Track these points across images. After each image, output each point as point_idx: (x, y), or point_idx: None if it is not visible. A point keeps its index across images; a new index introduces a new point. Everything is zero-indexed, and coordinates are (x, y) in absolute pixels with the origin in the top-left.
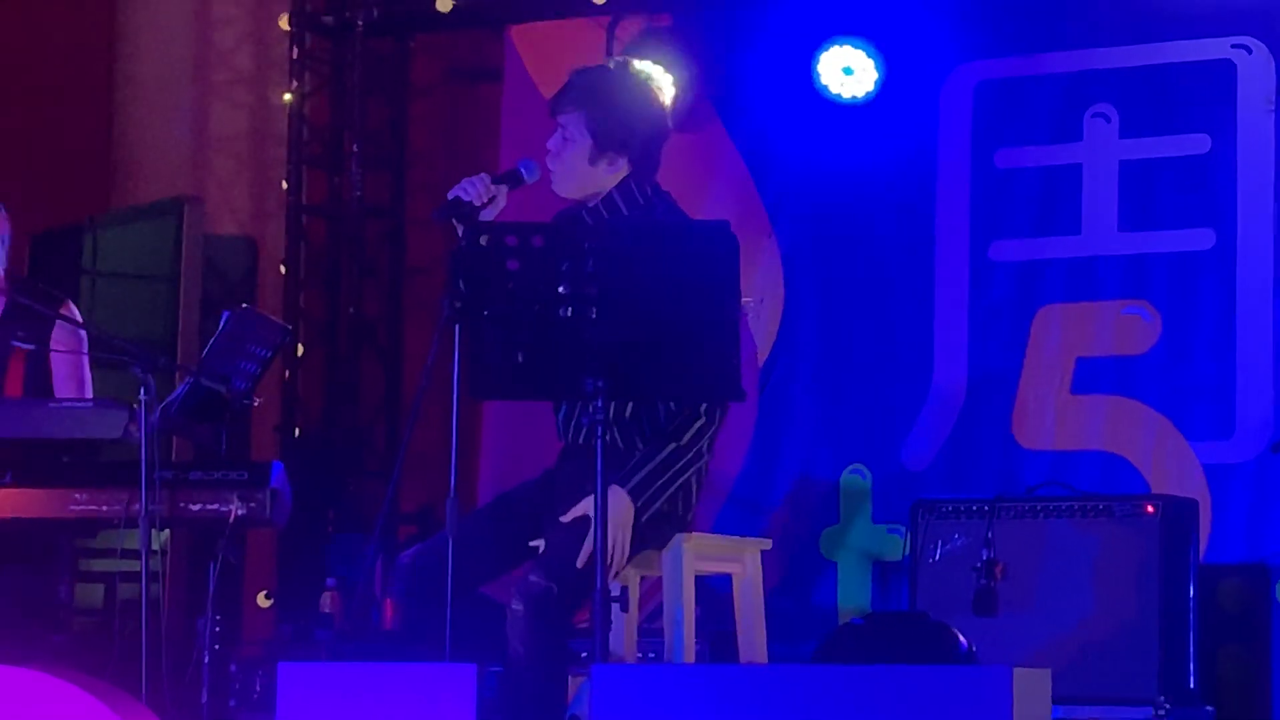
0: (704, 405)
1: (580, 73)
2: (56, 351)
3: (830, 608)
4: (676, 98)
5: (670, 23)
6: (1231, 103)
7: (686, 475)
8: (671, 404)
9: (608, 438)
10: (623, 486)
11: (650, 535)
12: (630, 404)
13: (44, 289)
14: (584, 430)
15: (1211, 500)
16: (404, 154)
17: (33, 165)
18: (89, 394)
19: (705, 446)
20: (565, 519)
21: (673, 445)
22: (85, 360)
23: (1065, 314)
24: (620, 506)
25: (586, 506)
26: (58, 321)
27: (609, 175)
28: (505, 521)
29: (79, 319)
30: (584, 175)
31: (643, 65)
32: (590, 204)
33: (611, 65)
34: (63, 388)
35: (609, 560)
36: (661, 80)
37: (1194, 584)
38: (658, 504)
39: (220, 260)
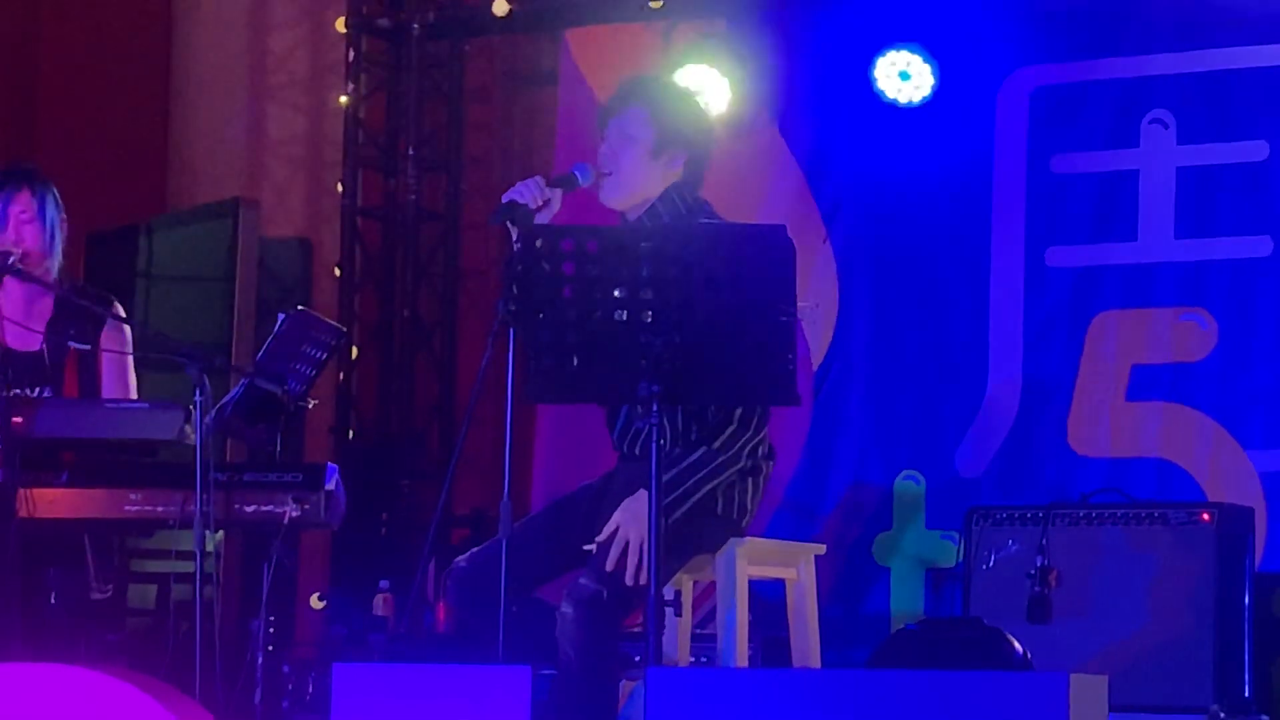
0: (739, 411)
1: (633, 78)
2: (107, 351)
3: (883, 614)
4: (731, 103)
5: (726, 28)
6: None
7: (720, 479)
8: (713, 410)
9: (663, 443)
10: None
11: (704, 540)
12: (683, 412)
13: (94, 291)
14: (640, 440)
15: (1268, 508)
16: (459, 157)
17: (89, 166)
18: (133, 396)
19: (745, 452)
20: (601, 539)
21: (703, 449)
22: (130, 362)
23: (1121, 320)
24: (638, 510)
25: (616, 521)
26: (107, 323)
27: (666, 174)
28: (561, 524)
29: (127, 319)
30: (642, 175)
31: (696, 73)
32: (633, 216)
33: (661, 75)
34: (109, 389)
35: (638, 558)
36: (716, 86)
37: (1249, 592)
38: (686, 505)
39: (275, 262)
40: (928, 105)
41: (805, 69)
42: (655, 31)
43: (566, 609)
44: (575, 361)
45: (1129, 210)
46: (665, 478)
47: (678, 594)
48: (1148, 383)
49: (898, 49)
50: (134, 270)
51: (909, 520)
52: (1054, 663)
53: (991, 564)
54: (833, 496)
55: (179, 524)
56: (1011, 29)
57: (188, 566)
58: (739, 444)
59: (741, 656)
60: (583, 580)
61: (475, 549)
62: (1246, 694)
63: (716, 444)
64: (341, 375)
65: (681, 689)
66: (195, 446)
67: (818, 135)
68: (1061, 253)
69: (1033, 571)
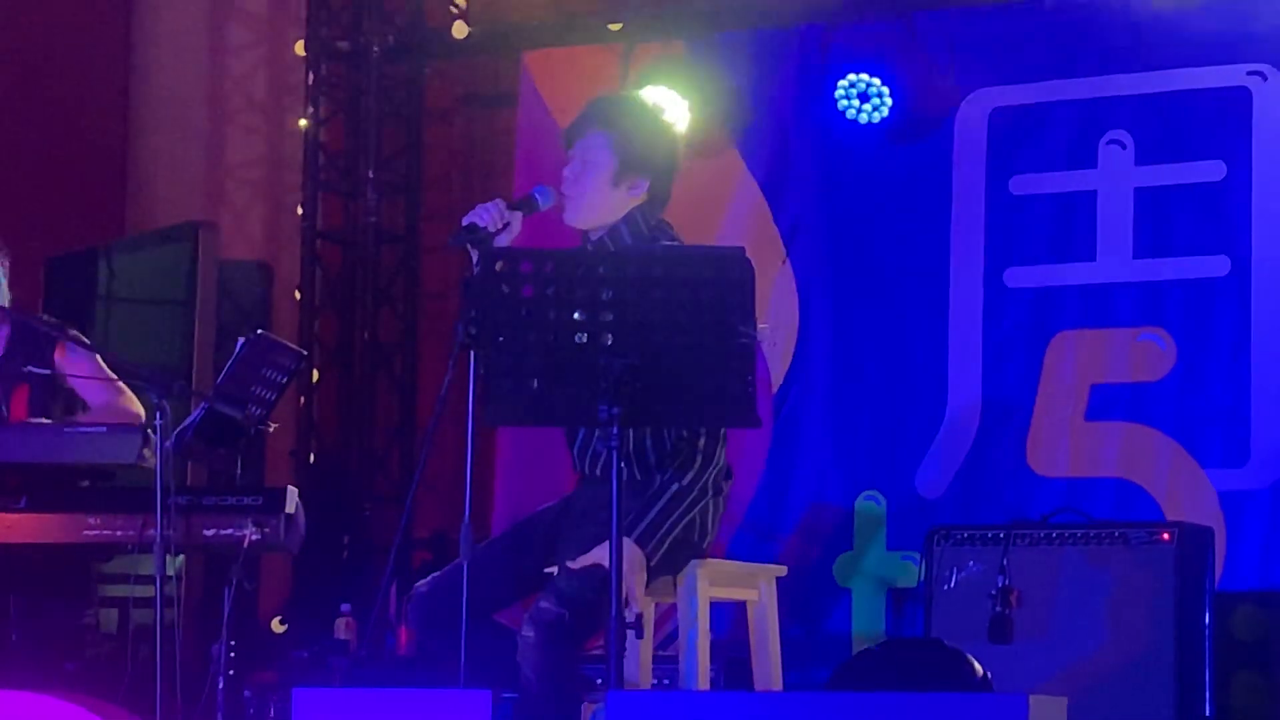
0: (702, 443)
1: (599, 99)
2: (73, 377)
3: (844, 635)
4: (691, 124)
5: (685, 49)
6: (1247, 129)
7: (691, 514)
8: (683, 433)
9: (623, 465)
10: (629, 535)
11: (665, 562)
12: (640, 434)
13: (45, 319)
14: (600, 461)
15: (1226, 527)
16: (419, 180)
17: (48, 190)
18: (134, 403)
19: (709, 482)
20: (575, 566)
21: (675, 487)
22: (107, 374)
23: (1080, 340)
24: (631, 556)
25: (597, 555)
26: (62, 349)
27: (629, 199)
28: (521, 548)
29: (85, 342)
30: (604, 200)
31: (656, 93)
32: (595, 236)
33: (628, 95)
34: (99, 405)
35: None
36: (675, 108)
37: (1209, 611)
38: (665, 545)
39: (235, 286)
40: (887, 126)
41: (765, 90)
42: (614, 53)
43: (528, 632)
44: (535, 384)
45: (1087, 230)
46: (642, 525)
47: (639, 616)
48: (1107, 402)
49: (857, 70)
50: (94, 294)
51: (870, 541)
52: (1015, 683)
53: (952, 584)
54: (793, 518)
55: (138, 548)
56: (970, 50)
57: (148, 591)
58: (705, 477)
59: (703, 678)
60: (544, 603)
61: (437, 573)
62: (1207, 713)
63: (686, 480)
64: (302, 399)
65: (642, 712)
66: (155, 470)
67: (777, 156)
68: (1020, 273)
69: (994, 592)
